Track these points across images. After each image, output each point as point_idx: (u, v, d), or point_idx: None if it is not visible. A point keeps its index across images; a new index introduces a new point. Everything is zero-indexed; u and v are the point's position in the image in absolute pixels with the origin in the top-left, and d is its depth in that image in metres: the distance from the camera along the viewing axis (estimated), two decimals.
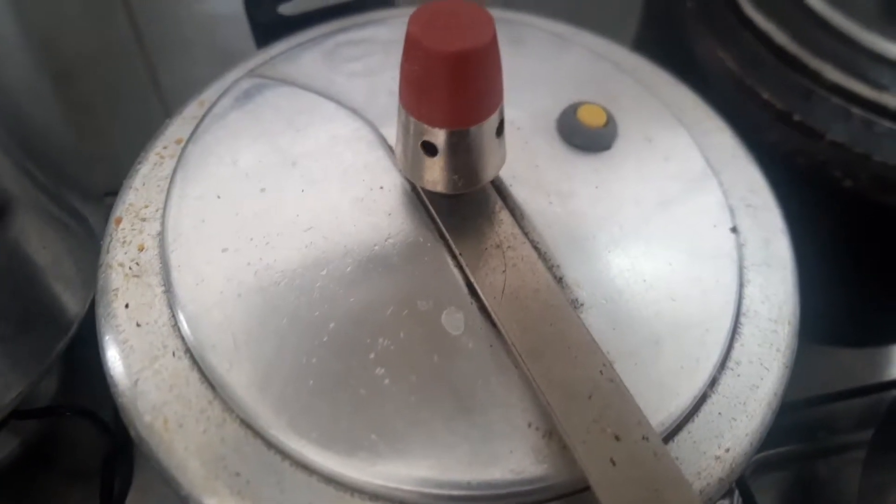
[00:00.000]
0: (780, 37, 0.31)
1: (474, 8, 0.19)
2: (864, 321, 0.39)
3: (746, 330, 0.23)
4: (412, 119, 0.21)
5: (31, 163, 0.38)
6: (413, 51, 0.19)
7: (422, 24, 0.19)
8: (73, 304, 0.35)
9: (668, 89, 0.29)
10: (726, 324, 0.23)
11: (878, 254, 0.34)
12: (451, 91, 0.19)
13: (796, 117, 0.31)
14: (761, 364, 0.23)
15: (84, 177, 0.42)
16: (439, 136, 0.21)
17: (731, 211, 0.25)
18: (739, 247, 0.25)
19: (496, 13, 0.29)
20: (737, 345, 0.23)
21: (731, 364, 0.22)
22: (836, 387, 0.39)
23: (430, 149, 0.21)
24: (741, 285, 0.24)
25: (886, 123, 0.30)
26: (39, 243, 0.36)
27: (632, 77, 0.29)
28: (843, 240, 0.33)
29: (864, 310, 0.37)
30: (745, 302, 0.24)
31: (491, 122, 0.21)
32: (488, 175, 0.22)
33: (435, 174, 0.22)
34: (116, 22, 0.47)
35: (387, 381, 0.20)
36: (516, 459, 0.20)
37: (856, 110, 0.30)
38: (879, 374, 0.44)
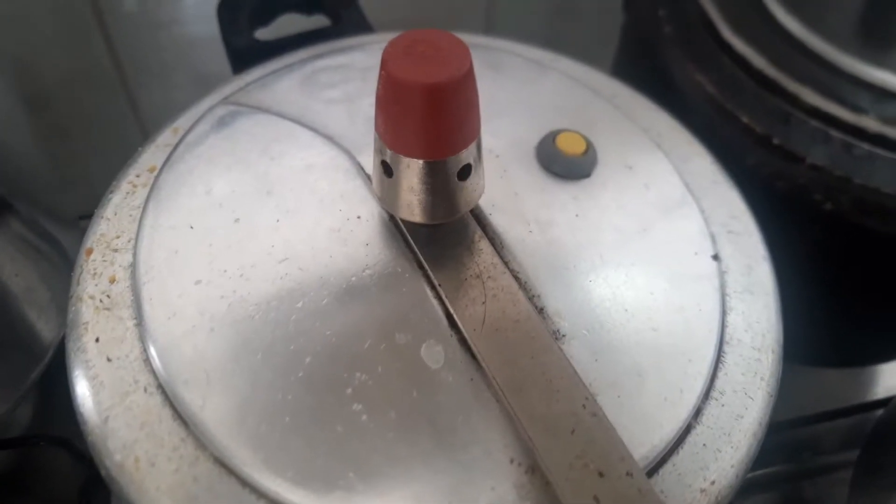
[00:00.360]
0: (759, 61, 0.32)
1: (452, 39, 0.19)
2: (845, 342, 0.39)
3: (730, 359, 0.23)
4: (388, 149, 0.20)
5: (4, 188, 0.37)
6: (387, 80, 0.19)
7: (397, 54, 0.19)
8: (47, 332, 0.35)
9: (648, 115, 0.29)
10: (709, 353, 0.22)
11: (858, 275, 0.34)
12: (426, 122, 0.19)
13: (776, 141, 0.31)
14: (745, 393, 0.22)
15: (59, 201, 0.42)
16: (415, 167, 0.20)
17: (713, 238, 0.25)
18: (721, 274, 0.24)
19: (475, 39, 0.29)
20: (720, 374, 0.23)
21: (714, 394, 0.22)
22: (820, 407, 0.39)
23: (387, 170, 0.21)
24: (724, 313, 0.24)
25: (866, 146, 0.30)
26: (12, 270, 0.35)
27: (611, 103, 0.29)
28: (824, 262, 0.33)
29: (846, 331, 0.37)
30: (728, 330, 0.23)
31: (468, 153, 0.21)
32: (466, 205, 0.22)
33: (412, 204, 0.21)
34: (93, 45, 0.46)
35: (364, 417, 0.20)
36: (498, 496, 0.19)
37: (835, 133, 0.30)
38: (863, 394, 0.44)
